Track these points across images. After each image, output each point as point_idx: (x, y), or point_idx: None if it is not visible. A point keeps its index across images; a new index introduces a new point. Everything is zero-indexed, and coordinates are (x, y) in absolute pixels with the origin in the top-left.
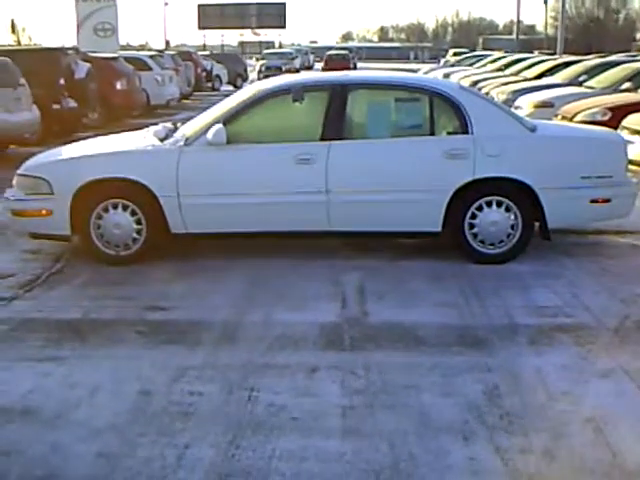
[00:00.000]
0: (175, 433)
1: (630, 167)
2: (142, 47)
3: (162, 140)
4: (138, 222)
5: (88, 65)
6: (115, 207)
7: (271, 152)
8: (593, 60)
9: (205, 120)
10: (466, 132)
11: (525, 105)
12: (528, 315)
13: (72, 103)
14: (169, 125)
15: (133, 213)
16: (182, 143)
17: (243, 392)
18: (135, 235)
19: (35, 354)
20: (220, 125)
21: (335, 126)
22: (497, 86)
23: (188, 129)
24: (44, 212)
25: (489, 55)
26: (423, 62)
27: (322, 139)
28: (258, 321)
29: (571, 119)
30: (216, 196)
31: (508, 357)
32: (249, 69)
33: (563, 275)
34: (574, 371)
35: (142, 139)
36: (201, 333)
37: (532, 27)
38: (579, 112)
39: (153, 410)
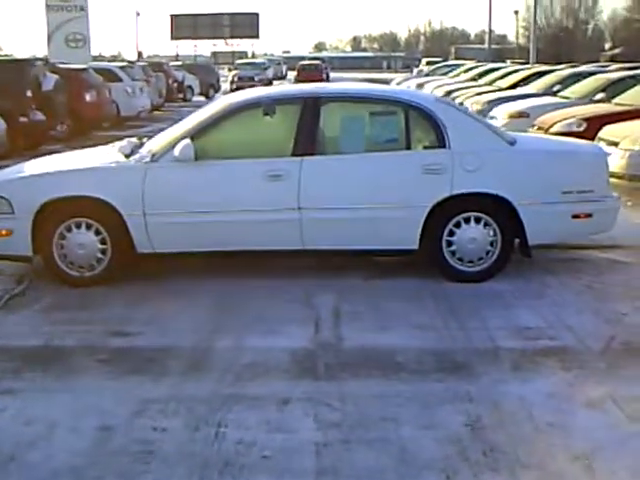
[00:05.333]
0: (136, 476)
1: None
2: (115, 58)
3: (127, 156)
4: (103, 242)
5: (56, 77)
6: (78, 226)
7: (241, 168)
8: (566, 70)
9: (172, 135)
10: (443, 146)
11: (500, 115)
12: (510, 337)
13: (39, 115)
14: (135, 140)
15: (97, 232)
16: (148, 159)
17: (210, 428)
18: (99, 255)
19: None
20: (187, 140)
21: (307, 141)
22: (471, 96)
23: (154, 145)
24: (4, 232)
25: (462, 64)
26: (396, 71)
27: (294, 154)
28: (227, 347)
29: (547, 130)
30: (184, 214)
31: (491, 385)
32: (221, 79)
33: (545, 293)
34: (560, 400)
35: (107, 155)
36: (167, 361)
37: (504, 37)
38: (555, 123)
39: (113, 449)
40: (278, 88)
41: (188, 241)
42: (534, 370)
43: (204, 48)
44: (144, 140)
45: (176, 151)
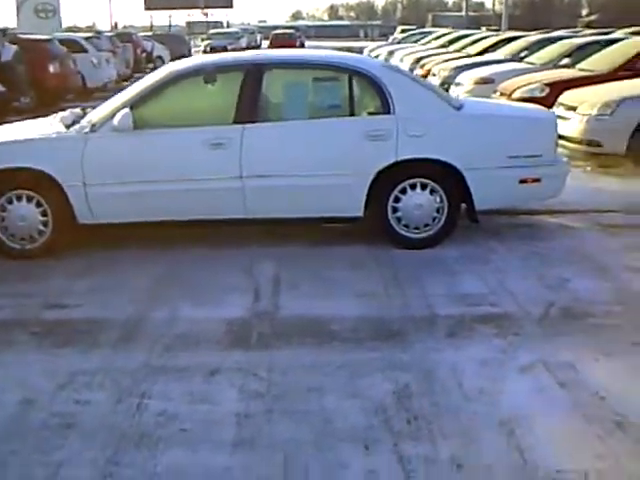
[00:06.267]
0: (52, 449)
1: (567, 144)
2: (89, 29)
3: (69, 127)
4: (44, 214)
5: (15, 47)
6: (19, 199)
7: (181, 137)
8: (534, 36)
9: (113, 105)
10: (388, 112)
11: (466, 81)
12: (450, 304)
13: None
14: (77, 111)
15: (38, 204)
16: (88, 130)
17: (133, 399)
18: (41, 227)
19: None
20: (127, 110)
21: (249, 108)
22: (439, 63)
23: (95, 115)
24: None
25: (434, 32)
26: (373, 40)
27: (236, 122)
28: (163, 318)
29: (510, 95)
30: (124, 184)
31: (424, 352)
32: (194, 50)
33: (491, 259)
34: (492, 367)
35: (48, 126)
36: (101, 333)
37: (481, 4)
38: (517, 88)
39: (32, 423)
40: (221, 55)
41: (129, 211)
42: (470, 337)
43: (179, 18)
44: (87, 110)
45: (115, 121)
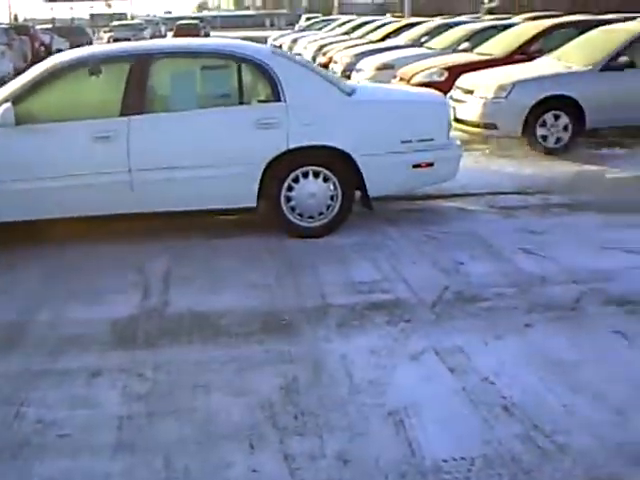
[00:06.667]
0: None
1: (465, 127)
2: None
3: None
4: None
5: None
6: None
7: (67, 131)
8: (435, 22)
9: None
10: (278, 100)
11: (367, 68)
12: (342, 293)
13: None
14: None
15: None
16: None
17: (11, 407)
18: None
19: None
20: (8, 104)
21: (136, 99)
22: (342, 50)
23: None
24: None
25: (337, 19)
26: (280, 29)
27: (122, 114)
28: (46, 321)
29: (409, 80)
30: (8, 183)
31: (313, 344)
32: (96, 42)
33: (385, 245)
34: (382, 355)
35: None
36: None
37: None
38: (417, 73)
39: None
40: (107, 46)
41: (15, 210)
42: (360, 326)
43: (82, 11)
44: None
45: None
